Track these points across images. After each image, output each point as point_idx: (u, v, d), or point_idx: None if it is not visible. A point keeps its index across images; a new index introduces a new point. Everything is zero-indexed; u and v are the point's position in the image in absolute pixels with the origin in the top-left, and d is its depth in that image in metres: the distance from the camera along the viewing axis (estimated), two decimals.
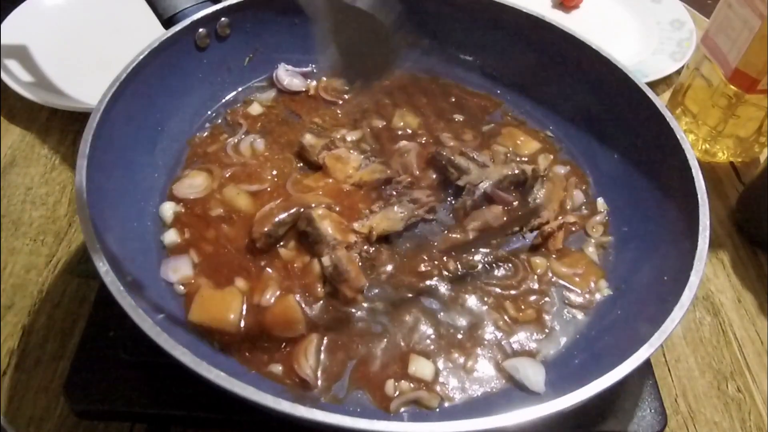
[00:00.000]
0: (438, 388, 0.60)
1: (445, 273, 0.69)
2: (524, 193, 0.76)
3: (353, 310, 0.64)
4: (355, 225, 0.69)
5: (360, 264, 0.67)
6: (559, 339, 0.65)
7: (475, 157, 0.77)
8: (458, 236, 0.72)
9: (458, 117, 0.87)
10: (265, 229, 0.67)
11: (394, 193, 0.73)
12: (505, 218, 0.73)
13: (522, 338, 0.64)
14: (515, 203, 0.75)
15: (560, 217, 0.74)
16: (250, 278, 0.66)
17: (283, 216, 0.68)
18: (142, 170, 0.72)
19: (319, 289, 0.65)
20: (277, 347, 0.61)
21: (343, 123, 0.84)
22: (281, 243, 0.68)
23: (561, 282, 0.70)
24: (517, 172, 0.76)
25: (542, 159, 0.82)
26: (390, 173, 0.75)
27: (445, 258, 0.70)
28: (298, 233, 0.68)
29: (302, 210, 0.68)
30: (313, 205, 0.69)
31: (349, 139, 0.81)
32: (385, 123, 0.85)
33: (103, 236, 0.55)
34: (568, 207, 0.77)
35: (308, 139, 0.77)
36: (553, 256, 0.71)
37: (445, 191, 0.77)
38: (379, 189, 0.74)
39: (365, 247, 0.68)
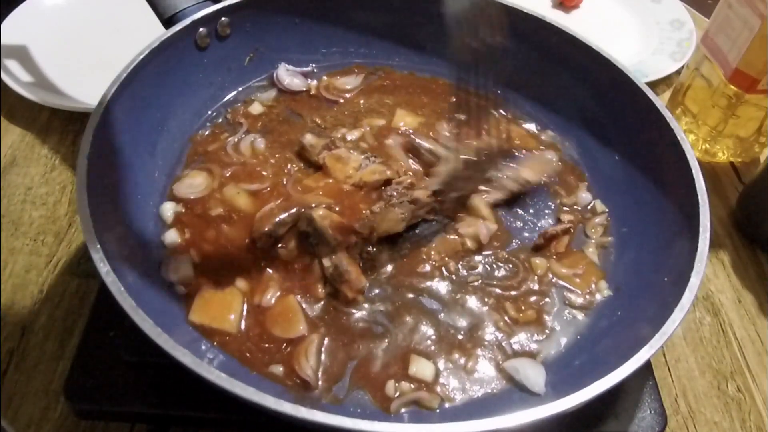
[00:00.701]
0: (438, 388, 0.60)
1: (446, 273, 0.69)
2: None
3: (354, 311, 0.64)
4: (356, 226, 0.69)
5: (360, 264, 0.67)
6: (559, 340, 0.65)
7: (447, 144, 0.79)
8: (455, 238, 0.72)
9: (460, 116, 0.87)
10: (266, 229, 0.67)
11: (395, 194, 0.73)
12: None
13: (522, 339, 0.64)
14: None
15: (567, 222, 0.74)
16: (251, 279, 0.66)
17: (283, 216, 0.68)
18: (142, 170, 0.72)
19: (319, 290, 0.65)
20: (277, 348, 0.61)
21: (344, 122, 0.84)
22: (281, 243, 0.68)
23: (561, 283, 0.70)
24: (469, 155, 0.76)
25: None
26: (390, 174, 0.75)
27: (445, 258, 0.70)
28: (299, 233, 0.68)
29: (302, 210, 0.68)
30: (313, 205, 0.69)
31: (349, 138, 0.81)
32: (384, 122, 0.85)
33: (104, 236, 0.55)
34: (577, 207, 0.77)
35: (309, 138, 0.77)
36: (553, 257, 0.72)
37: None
38: (379, 190, 0.74)
39: (366, 248, 0.68)
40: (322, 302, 0.64)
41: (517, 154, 0.82)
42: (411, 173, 0.77)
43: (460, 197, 0.74)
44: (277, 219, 0.68)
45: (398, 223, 0.70)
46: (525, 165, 0.78)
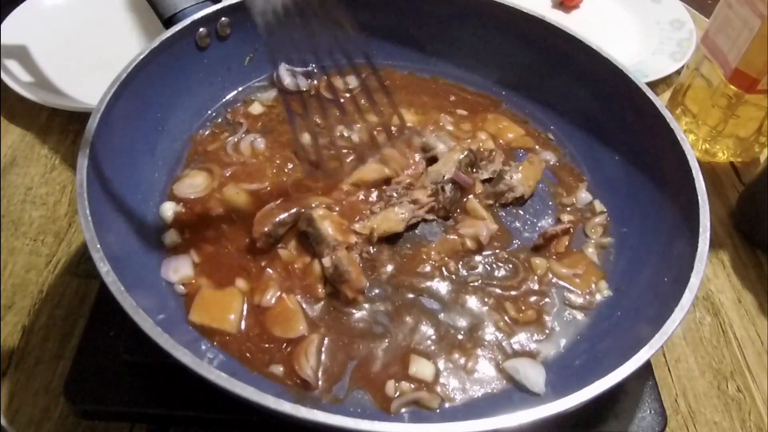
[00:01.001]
0: (438, 388, 0.60)
1: (446, 273, 0.69)
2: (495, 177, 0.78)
3: (354, 311, 0.64)
4: (356, 226, 0.69)
5: (360, 265, 0.67)
6: (559, 340, 0.65)
7: (445, 140, 0.80)
8: (455, 238, 0.71)
9: (461, 111, 0.88)
10: (266, 229, 0.67)
11: (395, 194, 0.73)
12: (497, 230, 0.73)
13: (522, 339, 0.64)
14: (484, 182, 0.77)
15: (567, 222, 0.74)
16: (251, 278, 0.66)
17: (283, 216, 0.68)
18: (142, 170, 0.72)
19: (319, 290, 0.65)
20: (277, 348, 0.61)
21: (343, 121, 0.84)
22: (281, 244, 0.68)
23: (561, 283, 0.70)
24: (465, 153, 0.77)
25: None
26: (389, 172, 0.75)
27: (445, 258, 0.70)
28: (299, 234, 0.68)
29: (302, 210, 0.68)
30: (313, 205, 0.69)
31: (346, 134, 0.81)
32: (383, 119, 0.85)
33: (104, 236, 0.55)
34: (577, 207, 0.78)
35: (307, 139, 0.77)
36: (553, 257, 0.71)
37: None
38: (379, 189, 0.74)
39: (366, 248, 0.68)
40: (322, 302, 0.64)
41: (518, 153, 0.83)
42: (410, 172, 0.77)
43: (458, 196, 0.74)
44: (277, 219, 0.68)
45: (398, 224, 0.70)
46: (520, 172, 0.78)
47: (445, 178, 0.74)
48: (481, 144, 0.82)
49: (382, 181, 0.75)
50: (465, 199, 0.74)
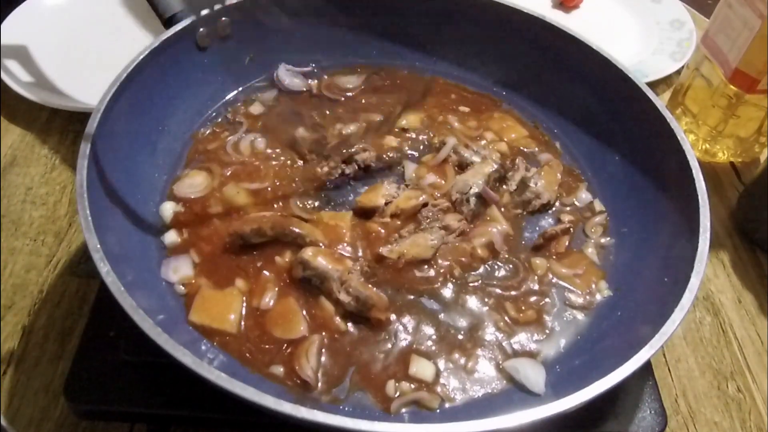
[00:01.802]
0: (439, 388, 0.60)
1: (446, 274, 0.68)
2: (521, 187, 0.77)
3: (384, 335, 0.63)
4: (384, 250, 0.67)
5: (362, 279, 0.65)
6: (559, 340, 0.65)
7: (476, 150, 0.79)
8: (466, 247, 0.70)
9: (463, 108, 0.88)
10: (243, 230, 0.67)
11: (431, 214, 0.71)
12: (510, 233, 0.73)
13: (522, 339, 0.64)
14: (510, 195, 0.77)
15: (567, 221, 0.74)
16: (250, 279, 0.66)
17: (266, 228, 0.67)
18: (142, 170, 0.72)
19: (340, 324, 0.63)
20: (278, 348, 0.61)
21: (343, 119, 0.84)
22: (278, 254, 0.67)
23: (561, 283, 0.70)
24: (496, 167, 0.77)
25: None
26: (425, 198, 0.73)
27: (453, 264, 0.69)
28: (300, 279, 0.66)
29: (286, 232, 0.67)
30: (293, 228, 0.68)
31: (345, 132, 0.81)
32: (383, 117, 0.85)
33: (103, 236, 0.55)
34: (577, 207, 0.78)
35: (301, 132, 0.77)
36: (553, 257, 0.71)
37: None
38: (417, 215, 0.72)
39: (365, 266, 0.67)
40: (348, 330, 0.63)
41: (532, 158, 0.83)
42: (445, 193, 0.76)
43: (481, 210, 0.74)
44: (259, 227, 0.67)
45: (427, 250, 0.68)
46: (542, 178, 0.77)
47: (472, 190, 0.73)
48: (500, 155, 0.81)
49: (421, 206, 0.73)
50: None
